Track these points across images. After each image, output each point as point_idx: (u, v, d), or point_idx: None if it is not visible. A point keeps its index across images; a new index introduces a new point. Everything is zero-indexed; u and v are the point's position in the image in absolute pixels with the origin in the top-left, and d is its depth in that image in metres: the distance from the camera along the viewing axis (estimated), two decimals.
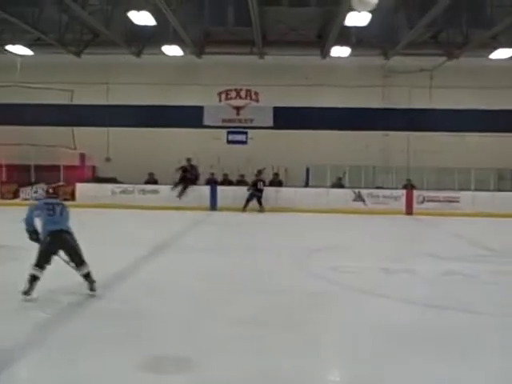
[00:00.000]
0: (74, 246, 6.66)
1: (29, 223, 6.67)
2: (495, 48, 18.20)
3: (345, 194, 19.37)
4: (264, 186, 19.39)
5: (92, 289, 6.63)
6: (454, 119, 21.20)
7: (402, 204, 18.97)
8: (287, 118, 21.71)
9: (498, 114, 21.14)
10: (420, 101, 21.05)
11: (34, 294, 6.38)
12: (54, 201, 6.87)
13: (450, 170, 20.20)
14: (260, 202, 19.05)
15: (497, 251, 11.22)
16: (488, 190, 19.71)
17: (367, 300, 7.10)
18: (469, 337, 5.51)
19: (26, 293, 6.30)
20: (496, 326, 6.06)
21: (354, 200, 19.18)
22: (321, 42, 19.75)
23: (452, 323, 5.99)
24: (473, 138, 20.96)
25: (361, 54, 19.34)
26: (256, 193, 19.07)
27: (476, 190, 19.58)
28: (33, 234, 6.68)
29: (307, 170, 20.88)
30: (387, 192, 19.52)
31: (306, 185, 20.64)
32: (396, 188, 20.12)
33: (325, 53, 19.73)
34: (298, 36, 19.28)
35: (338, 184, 20.30)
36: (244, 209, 18.81)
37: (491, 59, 19.25)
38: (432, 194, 19.12)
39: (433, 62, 20.22)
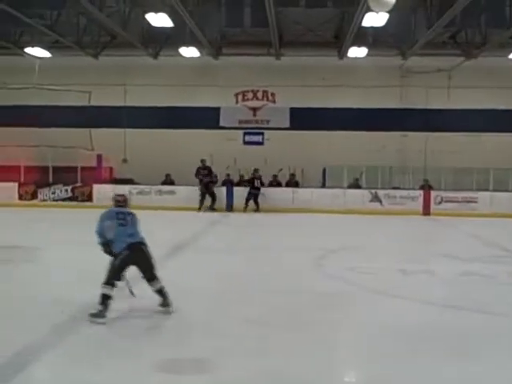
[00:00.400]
0: (150, 260, 6.12)
1: (102, 235, 6.13)
2: None
3: (361, 195, 19.30)
4: (261, 184, 19.47)
5: (166, 304, 6.11)
6: (471, 119, 20.99)
7: (419, 204, 18.85)
8: (304, 119, 21.68)
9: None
10: (438, 101, 20.90)
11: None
12: (124, 210, 6.31)
13: (467, 170, 20.00)
14: (256, 201, 19.12)
15: None
16: (506, 191, 19.48)
17: (383, 301, 7.09)
18: (485, 337, 5.48)
19: (99, 315, 5.71)
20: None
21: (371, 201, 19.10)
22: (338, 43, 19.70)
23: (469, 324, 5.98)
24: (491, 138, 20.78)
25: (378, 54, 19.25)
26: (253, 190, 19.16)
27: (494, 190, 19.38)
28: (107, 247, 6.10)
29: (324, 171, 20.84)
30: (404, 192, 19.42)
31: (323, 185, 20.60)
32: (413, 188, 20.01)
33: (342, 53, 19.70)
34: (314, 37, 19.25)
35: (355, 185, 20.23)
36: (244, 209, 18.92)
37: (510, 59, 19.13)
38: (450, 194, 18.98)
39: (451, 62, 20.08)
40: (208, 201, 18.87)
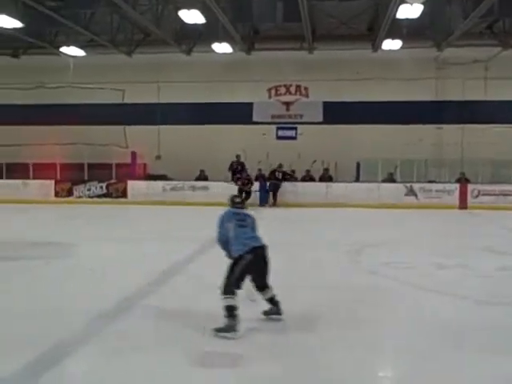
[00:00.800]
0: (269, 266, 5.60)
1: (224, 241, 5.69)
2: None
3: (396, 189, 19.06)
4: (283, 178, 19.46)
5: (278, 313, 5.74)
6: (508, 111, 20.54)
7: (455, 198, 18.53)
8: (337, 113, 21.51)
9: None
10: (474, 93, 20.49)
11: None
12: (242, 211, 5.92)
13: (505, 162, 19.63)
14: (275, 195, 19.11)
15: None
16: None
17: (420, 295, 7.01)
18: None
19: (228, 329, 5.23)
20: None
21: (406, 194, 18.84)
22: (371, 36, 19.47)
23: (504, 320, 5.89)
24: None
25: (413, 46, 18.95)
26: (274, 181, 19.18)
27: None
28: (230, 252, 5.63)
29: (358, 165, 20.67)
30: (440, 186, 19.13)
31: (357, 179, 20.43)
32: (449, 182, 19.69)
33: (376, 46, 19.45)
34: (348, 30, 19.08)
35: (390, 179, 20.00)
36: (274, 203, 19.01)
37: None
38: (487, 187, 18.61)
39: (488, 53, 19.68)
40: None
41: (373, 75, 20.85)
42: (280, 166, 19.70)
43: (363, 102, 21.21)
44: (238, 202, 6.03)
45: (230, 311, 5.24)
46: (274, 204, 19.07)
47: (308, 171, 20.35)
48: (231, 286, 5.30)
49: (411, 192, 18.86)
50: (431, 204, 18.30)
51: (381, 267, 8.64)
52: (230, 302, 5.24)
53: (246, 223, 5.71)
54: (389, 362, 4.99)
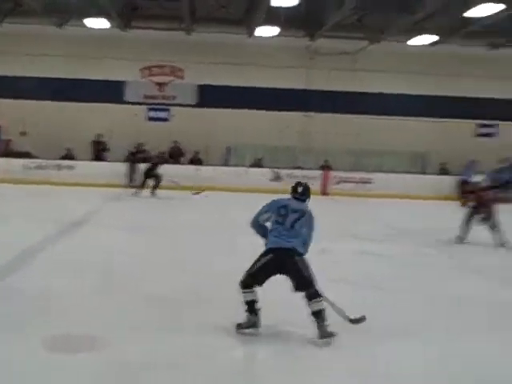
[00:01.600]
0: (302, 272, 5.08)
1: (257, 226, 5.34)
2: (419, 33, 18.85)
3: (263, 174, 19.59)
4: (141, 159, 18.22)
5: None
6: (376, 103, 21.62)
7: (319, 185, 19.34)
8: (212, 97, 21.51)
9: (419, 99, 21.72)
10: (342, 83, 21.32)
11: None
12: (295, 205, 5.23)
13: (365, 151, 20.74)
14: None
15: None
16: (400, 172, 20.26)
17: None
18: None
19: (247, 325, 5.07)
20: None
21: (272, 180, 19.44)
22: (248, 21, 19.60)
23: (364, 298, 6.36)
24: (390, 122, 21.55)
25: (287, 34, 19.39)
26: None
27: (389, 172, 20.17)
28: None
29: (228, 149, 20.94)
30: (305, 172, 19.84)
31: (226, 164, 20.70)
32: (314, 169, 20.43)
33: (251, 32, 19.65)
34: (226, 14, 19.12)
35: (258, 164, 20.47)
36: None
37: (410, 45, 19.93)
38: (348, 175, 19.53)
39: (357, 45, 20.49)
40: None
41: (248, 61, 21.09)
42: (140, 144, 18.78)
43: (238, 86, 21.38)
44: (299, 192, 5.31)
45: (248, 306, 5.03)
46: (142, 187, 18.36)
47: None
48: (246, 279, 5.05)
49: (277, 177, 19.44)
50: None
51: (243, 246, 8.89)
52: (246, 297, 5.02)
53: (283, 219, 5.12)
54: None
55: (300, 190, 5.32)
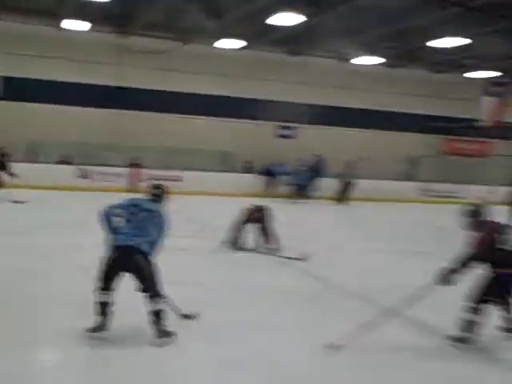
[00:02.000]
0: (145, 271, 5.09)
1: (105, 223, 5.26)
2: (227, 37, 19.70)
3: (71, 171, 19.07)
4: None
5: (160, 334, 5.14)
6: (188, 102, 22.07)
7: (125, 182, 19.23)
8: (20, 90, 20.39)
9: (228, 100, 22.60)
10: (155, 82, 21.47)
11: None
12: (147, 204, 5.39)
13: (176, 150, 21.08)
14: None
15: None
16: (208, 171, 21.00)
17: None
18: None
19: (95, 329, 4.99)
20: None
21: (79, 177, 18.99)
22: (59, 14, 18.77)
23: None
24: (199, 122, 22.07)
25: (99, 29, 19.22)
26: None
27: (200, 170, 20.78)
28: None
29: (31, 146, 19.87)
30: (114, 170, 19.62)
31: (29, 161, 19.53)
32: (122, 166, 20.15)
33: (61, 24, 19.05)
34: (36, 4, 18.40)
35: (65, 161, 19.80)
36: None
37: (219, 48, 20.78)
38: (159, 172, 19.58)
39: (170, 45, 20.74)
40: None
41: (59, 54, 20.37)
42: None
43: (46, 80, 20.56)
44: (154, 193, 5.52)
45: (100, 308, 4.98)
46: None
47: None
48: (98, 279, 5.03)
49: (84, 175, 18.98)
50: (104, 187, 18.50)
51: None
52: (97, 297, 5.00)
53: (133, 217, 5.19)
54: None
55: (155, 190, 5.54)
